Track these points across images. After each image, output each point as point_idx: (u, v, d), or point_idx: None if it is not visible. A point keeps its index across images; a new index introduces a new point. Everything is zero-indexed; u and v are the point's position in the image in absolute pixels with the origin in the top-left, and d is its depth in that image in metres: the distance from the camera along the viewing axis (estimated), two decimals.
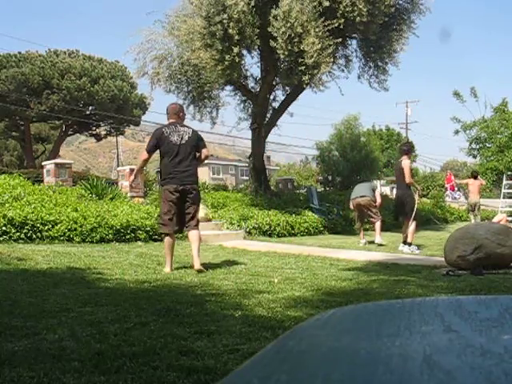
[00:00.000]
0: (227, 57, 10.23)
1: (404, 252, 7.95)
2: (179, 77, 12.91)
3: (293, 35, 10.11)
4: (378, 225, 9.12)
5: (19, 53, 29.49)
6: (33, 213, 7.47)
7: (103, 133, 35.60)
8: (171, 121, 5.53)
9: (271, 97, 13.71)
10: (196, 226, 5.43)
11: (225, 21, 10.09)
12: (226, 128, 16.41)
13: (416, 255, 7.57)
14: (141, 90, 32.85)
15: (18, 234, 7.13)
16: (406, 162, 8.19)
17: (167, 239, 5.37)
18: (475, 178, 14.67)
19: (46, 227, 7.41)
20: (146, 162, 5.65)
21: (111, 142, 63.15)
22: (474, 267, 5.24)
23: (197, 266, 5.24)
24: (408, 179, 8.09)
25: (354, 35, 12.42)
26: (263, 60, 12.75)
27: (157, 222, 6.31)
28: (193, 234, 5.40)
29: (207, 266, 5.59)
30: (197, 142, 5.49)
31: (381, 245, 8.89)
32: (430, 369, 0.44)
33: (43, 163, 13.80)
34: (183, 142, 5.36)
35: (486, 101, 30.61)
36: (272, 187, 15.93)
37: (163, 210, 5.36)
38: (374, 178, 17.85)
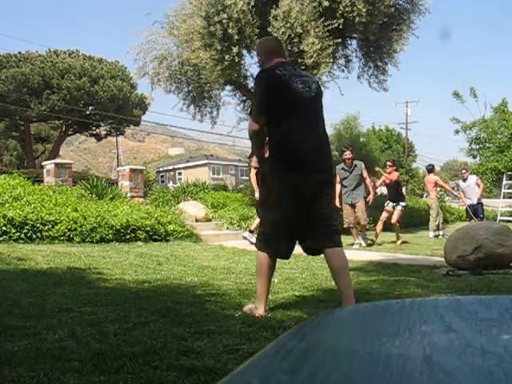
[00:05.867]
0: (227, 57, 10.24)
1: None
2: (179, 77, 12.92)
3: (292, 35, 10.12)
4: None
5: (19, 53, 29.54)
6: (33, 213, 7.47)
7: (103, 133, 35.65)
8: (278, 60, 3.23)
9: None
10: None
11: (224, 20, 10.10)
12: (226, 128, 16.43)
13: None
14: (141, 90, 32.94)
15: (18, 234, 7.13)
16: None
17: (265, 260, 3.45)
18: (429, 171, 11.44)
19: (46, 227, 7.41)
20: (259, 133, 3.17)
21: (111, 142, 63.09)
22: (474, 267, 5.24)
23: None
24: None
25: (353, 35, 12.41)
26: None
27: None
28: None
29: (207, 267, 5.58)
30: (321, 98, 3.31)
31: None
32: (429, 369, 0.44)
33: (43, 163, 13.83)
34: (312, 93, 3.15)
35: (485, 101, 30.58)
36: None
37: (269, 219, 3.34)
38: (373, 179, 17.78)
